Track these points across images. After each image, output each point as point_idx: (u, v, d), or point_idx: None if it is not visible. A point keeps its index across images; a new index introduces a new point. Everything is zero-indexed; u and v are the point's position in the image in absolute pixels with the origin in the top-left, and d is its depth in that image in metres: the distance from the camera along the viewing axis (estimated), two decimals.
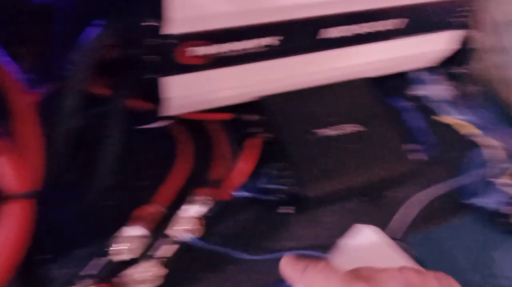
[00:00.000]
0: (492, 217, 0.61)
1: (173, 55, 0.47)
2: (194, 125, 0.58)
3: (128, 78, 0.51)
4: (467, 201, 0.61)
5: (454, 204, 0.62)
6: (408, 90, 0.72)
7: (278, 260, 0.51)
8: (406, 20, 0.57)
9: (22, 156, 0.30)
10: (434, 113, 0.70)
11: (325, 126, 0.58)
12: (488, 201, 0.60)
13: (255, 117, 0.59)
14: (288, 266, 0.43)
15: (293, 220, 0.56)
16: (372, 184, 0.57)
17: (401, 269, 0.39)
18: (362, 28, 0.54)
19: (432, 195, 0.60)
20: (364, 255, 0.43)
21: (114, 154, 0.48)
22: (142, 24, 0.42)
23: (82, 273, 0.45)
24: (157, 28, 0.43)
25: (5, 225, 0.29)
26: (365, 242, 0.45)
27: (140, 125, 0.56)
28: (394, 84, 0.71)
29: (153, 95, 0.53)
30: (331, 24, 0.52)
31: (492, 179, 0.61)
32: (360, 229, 0.48)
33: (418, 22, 0.58)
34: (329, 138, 0.57)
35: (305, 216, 0.56)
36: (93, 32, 0.41)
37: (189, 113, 0.58)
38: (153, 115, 0.56)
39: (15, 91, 0.33)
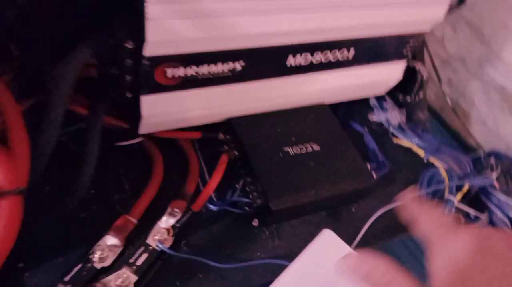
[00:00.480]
0: None
1: (150, 75, 0.51)
2: (166, 143, 0.62)
3: (106, 97, 0.54)
4: None
5: None
6: (367, 115, 0.78)
7: (246, 268, 0.55)
8: (353, 52, 0.64)
9: (11, 158, 0.33)
10: (392, 136, 0.76)
11: (288, 145, 0.63)
12: None
13: (222, 136, 0.63)
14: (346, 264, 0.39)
15: (258, 232, 0.60)
16: (334, 199, 0.62)
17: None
18: (316, 57, 0.61)
19: (388, 208, 0.65)
20: (326, 259, 0.47)
21: (91, 168, 0.51)
22: (124, 45, 0.47)
23: (59, 280, 0.47)
24: (137, 50, 0.47)
25: (2, 215, 0.31)
26: (327, 246, 0.49)
27: (117, 141, 0.59)
28: (355, 110, 0.78)
29: (129, 113, 0.57)
30: (289, 52, 0.58)
31: (447, 197, 0.66)
32: (324, 234, 0.52)
33: (365, 53, 0.65)
34: (291, 156, 0.62)
35: (269, 229, 0.60)
36: (75, 50, 0.45)
37: (161, 132, 0.62)
38: (129, 133, 0.59)
39: (5, 100, 0.37)
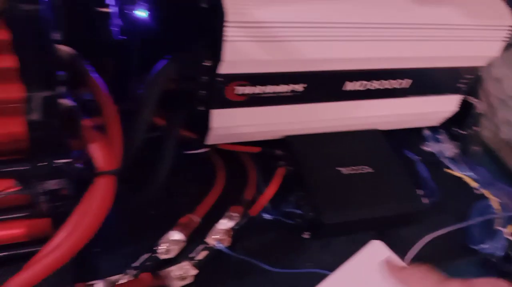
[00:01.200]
0: (497, 263, 0.66)
1: (223, 92, 0.58)
2: (228, 155, 0.68)
3: (182, 109, 0.61)
4: (473, 246, 0.66)
5: (460, 247, 0.67)
6: (420, 145, 0.81)
7: (296, 275, 0.58)
8: (409, 81, 0.68)
9: (108, 145, 0.40)
10: (444, 167, 0.78)
11: (341, 165, 0.67)
12: (494, 248, 0.66)
13: (279, 152, 0.68)
14: (389, 264, 0.48)
15: (308, 244, 0.63)
16: (384, 220, 0.64)
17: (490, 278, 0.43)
18: (372, 84, 0.65)
19: (438, 235, 0.66)
20: (373, 269, 0.50)
21: (167, 170, 0.58)
22: (202, 63, 0.54)
23: (128, 266, 0.53)
24: (213, 68, 0.54)
25: (96, 193, 0.38)
26: (376, 256, 0.51)
27: (185, 150, 0.66)
28: (408, 138, 0.81)
29: (199, 125, 0.63)
30: (347, 78, 0.63)
31: (498, 228, 0.67)
32: (372, 244, 0.54)
33: (421, 84, 0.68)
34: (344, 175, 0.66)
35: (319, 242, 0.64)
36: (161, 65, 0.53)
37: (225, 144, 0.68)
38: (197, 143, 0.66)
39: (105, 98, 0.44)
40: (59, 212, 0.43)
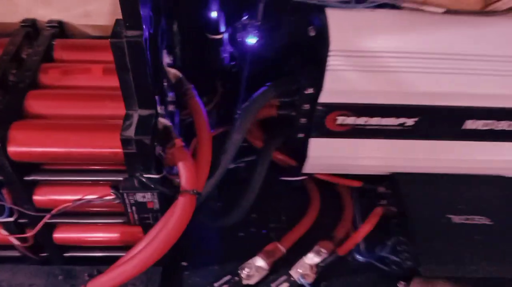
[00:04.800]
0: None
1: (323, 121, 0.56)
2: (326, 185, 0.65)
3: (280, 135, 0.61)
4: None
5: None
6: None
7: None
8: None
9: (196, 166, 0.42)
10: None
11: (453, 213, 0.59)
12: None
13: (382, 189, 0.63)
14: None
15: None
16: (494, 282, 0.55)
17: None
18: (497, 124, 0.57)
19: None
20: None
21: (255, 192, 0.58)
22: (304, 91, 0.53)
23: (210, 285, 0.54)
24: (315, 96, 0.53)
25: (177, 209, 0.39)
26: None
27: (282, 176, 0.65)
28: None
29: (298, 152, 0.62)
30: (468, 116, 0.56)
31: None
32: None
33: None
34: (455, 224, 0.58)
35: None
36: (263, 91, 0.53)
37: (323, 174, 0.65)
38: (295, 170, 0.65)
39: (202, 122, 0.46)
40: (146, 223, 0.45)
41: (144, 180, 0.40)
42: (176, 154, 0.42)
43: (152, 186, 0.40)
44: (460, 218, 0.58)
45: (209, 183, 0.45)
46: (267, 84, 0.55)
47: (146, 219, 0.44)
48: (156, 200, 0.42)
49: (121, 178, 0.42)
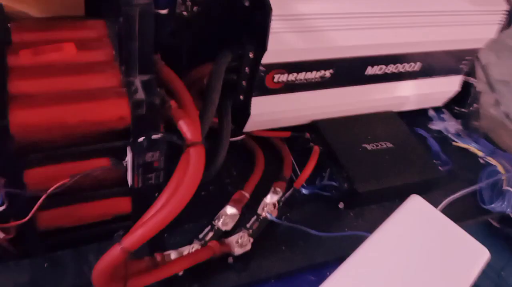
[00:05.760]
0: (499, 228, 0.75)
1: (263, 80, 0.65)
2: (262, 140, 0.75)
3: (227, 100, 0.68)
4: (485, 206, 0.75)
5: (473, 208, 0.76)
6: (427, 124, 0.89)
7: (338, 238, 0.65)
8: (419, 64, 0.76)
9: (192, 119, 0.47)
10: (451, 141, 0.87)
11: (365, 143, 0.75)
12: (503, 206, 0.74)
13: (308, 135, 0.76)
14: None
15: (344, 213, 0.70)
16: (408, 187, 0.72)
17: None
18: (389, 68, 0.73)
19: (455, 198, 0.74)
20: (416, 221, 0.57)
21: (225, 154, 0.64)
22: (248, 55, 0.61)
23: (196, 237, 0.59)
24: (258, 58, 0.61)
25: (192, 160, 0.44)
26: (417, 209, 0.58)
27: None
28: (416, 119, 0.89)
29: (239, 113, 0.70)
30: (369, 63, 0.71)
31: (506, 187, 0.75)
32: (412, 199, 0.61)
33: (429, 66, 0.77)
34: (369, 151, 0.74)
35: (353, 211, 0.71)
36: (222, 55, 0.60)
37: (259, 131, 0.75)
38: (235, 131, 0.73)
39: (181, 85, 0.51)
40: (148, 184, 0.49)
41: (153, 139, 0.44)
42: (174, 113, 0.46)
43: (160, 144, 0.45)
44: (371, 146, 0.74)
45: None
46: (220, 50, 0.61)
47: (149, 180, 0.48)
48: (162, 158, 0.46)
49: (130, 141, 0.44)
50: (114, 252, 0.42)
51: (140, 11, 0.38)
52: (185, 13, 0.63)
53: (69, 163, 0.46)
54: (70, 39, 0.49)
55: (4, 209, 0.45)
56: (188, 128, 0.45)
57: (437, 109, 0.92)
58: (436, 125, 0.90)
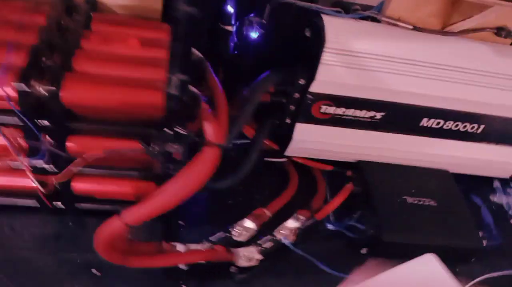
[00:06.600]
0: None
1: (310, 108, 0.67)
2: (302, 168, 0.76)
3: (271, 119, 0.71)
4: None
5: None
6: (489, 195, 0.83)
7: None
8: (482, 127, 0.72)
9: (219, 124, 0.51)
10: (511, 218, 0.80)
11: (407, 195, 0.72)
12: None
13: (350, 173, 0.75)
14: None
15: (364, 259, 0.68)
16: (440, 249, 0.67)
17: None
18: (447, 124, 0.70)
19: (495, 276, 0.67)
20: (420, 277, 0.54)
21: (249, 168, 0.67)
22: (298, 82, 0.64)
23: (206, 238, 0.62)
24: (306, 86, 0.64)
25: (203, 157, 0.48)
26: (426, 267, 0.55)
27: (267, 158, 0.75)
28: (478, 186, 0.83)
29: (283, 137, 0.72)
30: (425, 114, 0.69)
31: None
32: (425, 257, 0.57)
33: (494, 132, 0.72)
34: (408, 204, 0.71)
35: (376, 259, 0.68)
36: (266, 77, 0.64)
37: (301, 158, 0.76)
38: (278, 153, 0.75)
39: (220, 93, 0.55)
40: (168, 173, 0.53)
41: (178, 132, 0.48)
42: (202, 114, 0.50)
43: (183, 138, 0.49)
44: (412, 199, 0.71)
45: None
46: (270, 70, 0.65)
47: (169, 169, 0.52)
48: (184, 153, 0.50)
49: (159, 130, 0.49)
50: (112, 222, 0.47)
51: (183, 17, 0.43)
52: (252, 33, 0.68)
53: (105, 139, 0.52)
54: (137, 35, 0.56)
55: (45, 167, 0.53)
56: (210, 129, 0.49)
57: (504, 182, 0.85)
58: (499, 198, 0.83)
